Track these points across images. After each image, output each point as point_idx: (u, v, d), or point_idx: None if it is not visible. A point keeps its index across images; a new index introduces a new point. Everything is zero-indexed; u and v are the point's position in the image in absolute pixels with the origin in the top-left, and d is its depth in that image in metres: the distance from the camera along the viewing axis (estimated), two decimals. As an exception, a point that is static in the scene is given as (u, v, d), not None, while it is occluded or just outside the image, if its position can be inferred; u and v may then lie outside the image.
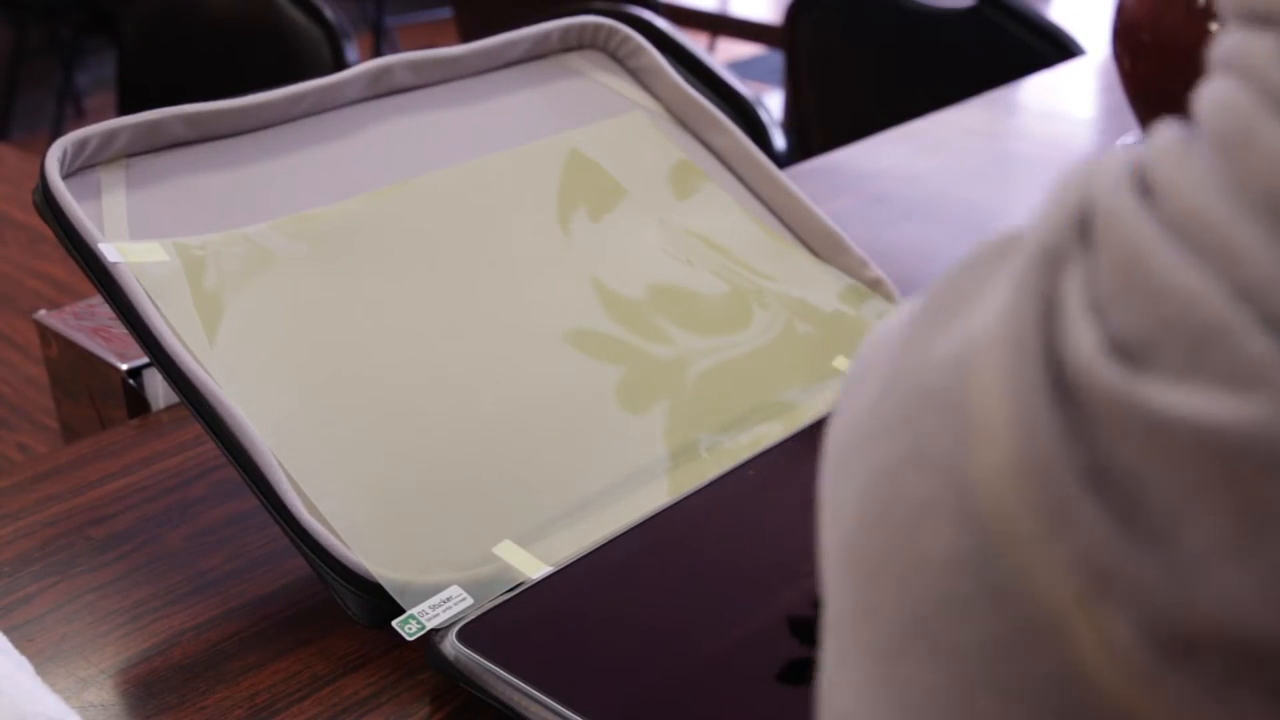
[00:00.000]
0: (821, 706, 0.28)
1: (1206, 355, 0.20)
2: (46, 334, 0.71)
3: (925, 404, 0.24)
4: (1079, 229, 0.22)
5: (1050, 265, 0.22)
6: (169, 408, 0.67)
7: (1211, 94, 0.22)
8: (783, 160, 1.19)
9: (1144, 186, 0.22)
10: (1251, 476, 0.19)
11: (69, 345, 0.69)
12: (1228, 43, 0.23)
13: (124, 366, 0.66)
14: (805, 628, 0.48)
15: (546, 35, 0.73)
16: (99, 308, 0.71)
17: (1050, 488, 0.21)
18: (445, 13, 3.20)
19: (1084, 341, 0.21)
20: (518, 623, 0.47)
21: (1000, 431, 0.22)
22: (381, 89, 0.66)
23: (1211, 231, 0.21)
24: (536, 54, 0.73)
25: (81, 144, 0.56)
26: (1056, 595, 0.21)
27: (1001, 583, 0.22)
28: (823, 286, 0.69)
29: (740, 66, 3.36)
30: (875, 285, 0.70)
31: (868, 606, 0.25)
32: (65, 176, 0.55)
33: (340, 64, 1.54)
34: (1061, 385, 0.21)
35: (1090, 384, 0.21)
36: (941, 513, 0.23)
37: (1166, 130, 0.23)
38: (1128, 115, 0.91)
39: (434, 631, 0.47)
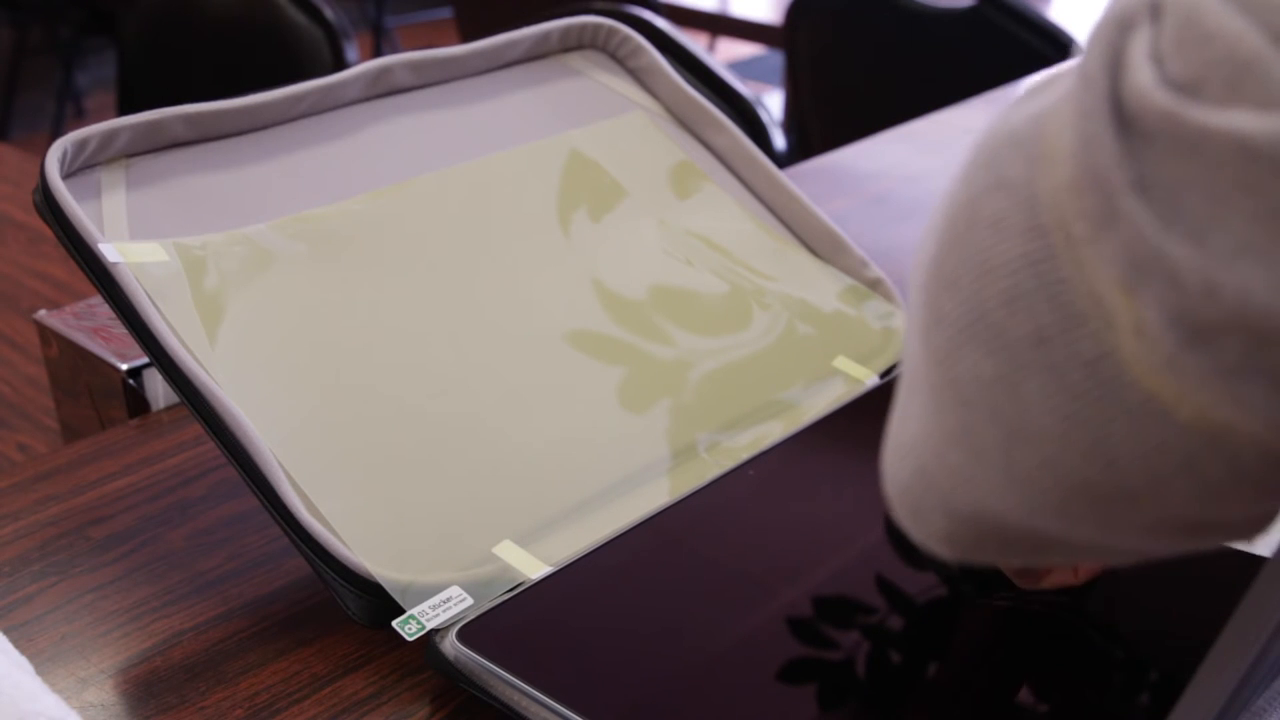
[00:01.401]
0: (888, 443, 0.32)
1: (1244, 83, 0.23)
2: (46, 334, 0.71)
3: (1006, 145, 0.28)
4: (1151, 6, 0.26)
5: (1121, 28, 0.26)
6: (169, 408, 0.67)
7: None
8: (783, 160, 1.18)
9: None
10: (1275, 182, 0.23)
11: (69, 345, 0.69)
12: None
13: (124, 366, 0.66)
14: (805, 628, 0.48)
15: (546, 35, 0.73)
16: (99, 308, 0.71)
17: (1104, 195, 0.25)
18: (445, 13, 3.20)
19: (1142, 78, 0.25)
20: (518, 623, 0.47)
21: (1066, 154, 0.26)
22: (381, 89, 0.66)
23: None
24: (536, 54, 0.73)
25: (81, 144, 0.56)
26: (1101, 283, 0.25)
27: (1056, 277, 0.26)
28: (823, 286, 0.69)
29: (740, 66, 3.36)
30: (875, 285, 0.70)
31: (938, 317, 0.29)
32: (65, 176, 0.55)
33: (340, 64, 1.53)
34: (1120, 113, 0.25)
35: (1145, 109, 0.24)
36: (1012, 225, 0.26)
37: None
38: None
39: (434, 632, 0.47)
